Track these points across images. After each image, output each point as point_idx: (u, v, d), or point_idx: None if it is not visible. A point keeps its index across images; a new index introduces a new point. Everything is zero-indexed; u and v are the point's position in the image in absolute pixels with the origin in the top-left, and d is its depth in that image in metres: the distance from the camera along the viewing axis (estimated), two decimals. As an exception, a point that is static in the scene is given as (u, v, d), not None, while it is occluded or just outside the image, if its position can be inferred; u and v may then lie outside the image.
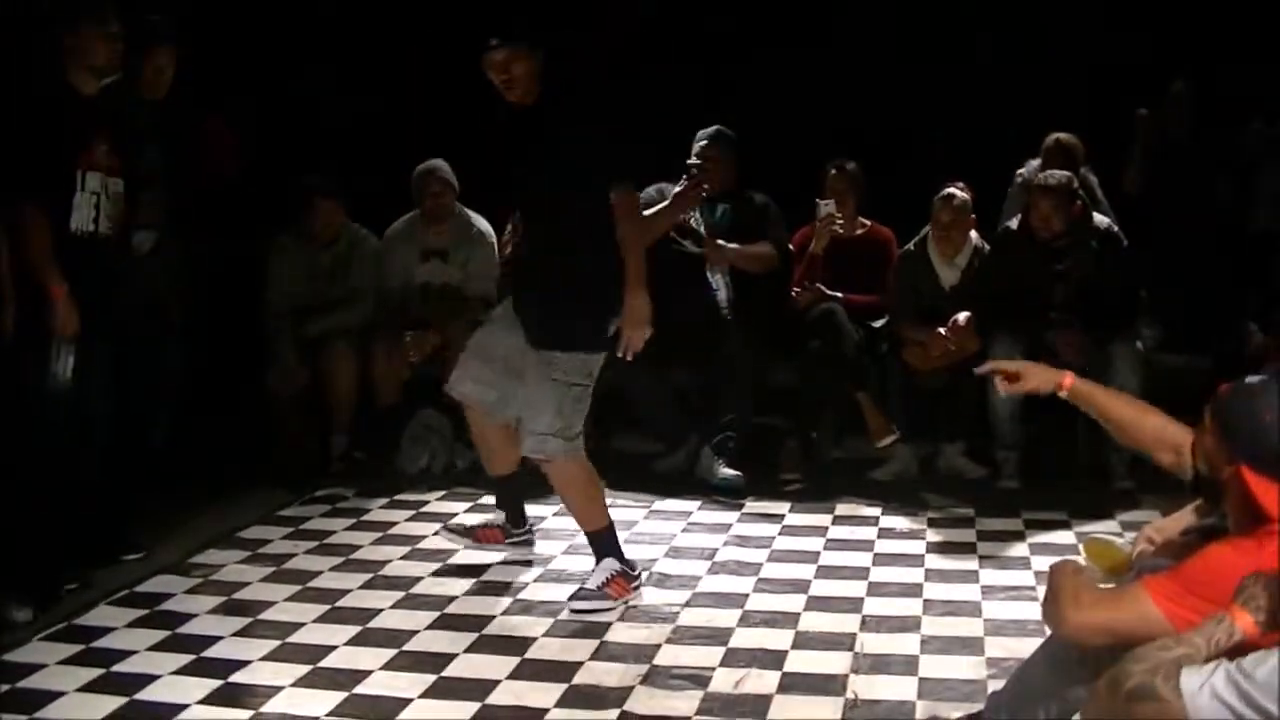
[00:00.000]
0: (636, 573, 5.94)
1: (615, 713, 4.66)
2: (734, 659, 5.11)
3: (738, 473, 7.48)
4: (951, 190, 7.77)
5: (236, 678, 4.99)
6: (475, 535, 6.33)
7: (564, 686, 4.86)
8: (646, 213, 7.38)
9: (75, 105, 5.86)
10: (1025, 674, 3.98)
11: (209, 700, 4.80)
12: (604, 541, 5.96)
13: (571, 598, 5.77)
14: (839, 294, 7.92)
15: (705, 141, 7.86)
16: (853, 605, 5.68)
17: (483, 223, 8.22)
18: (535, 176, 5.79)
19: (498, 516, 6.42)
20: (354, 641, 5.36)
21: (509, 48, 5.69)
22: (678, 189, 6.99)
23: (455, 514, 7.10)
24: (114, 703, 4.77)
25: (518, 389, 5.91)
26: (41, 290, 5.69)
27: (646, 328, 5.76)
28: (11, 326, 5.59)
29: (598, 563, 5.90)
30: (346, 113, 9.46)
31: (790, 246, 8.12)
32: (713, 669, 5.01)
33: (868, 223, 8.28)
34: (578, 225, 5.75)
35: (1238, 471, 3.41)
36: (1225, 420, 3.50)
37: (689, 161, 7.14)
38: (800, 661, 5.07)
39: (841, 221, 7.95)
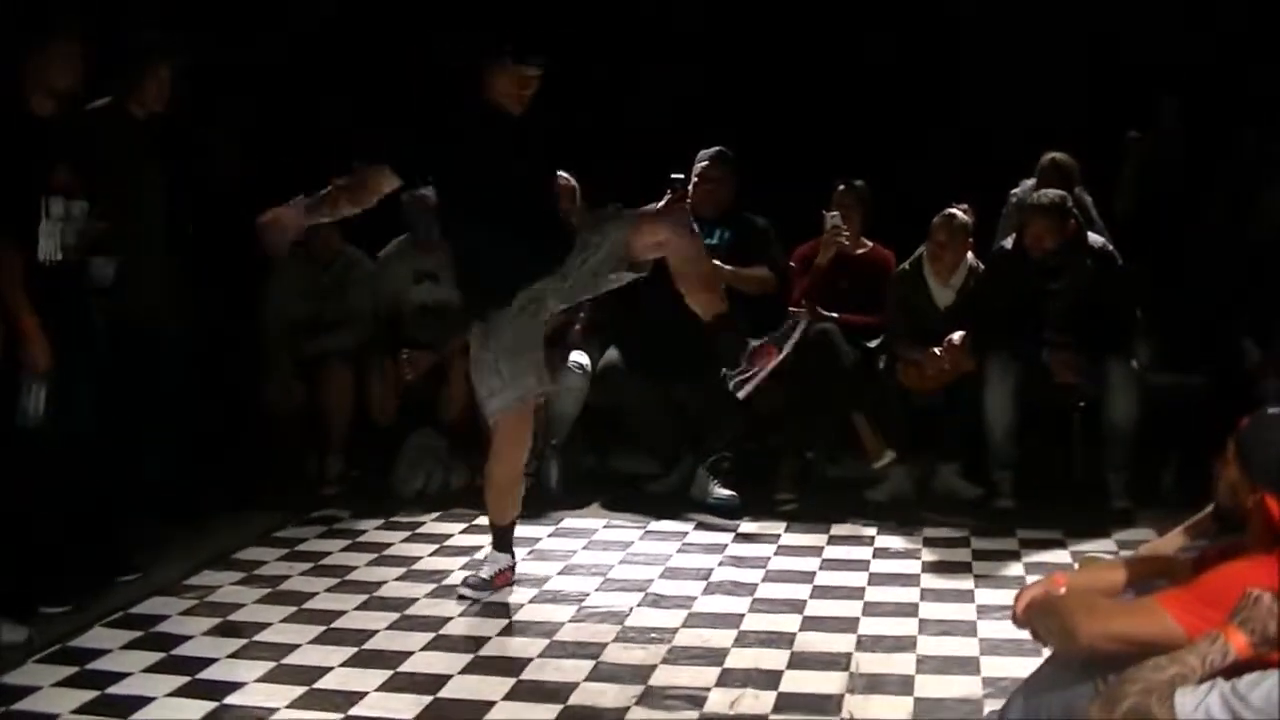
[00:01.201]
0: None
1: (611, 733, 4.66)
2: (729, 679, 5.09)
3: (732, 493, 7.48)
4: (953, 211, 7.77)
5: (231, 699, 4.97)
6: (494, 584, 6.28)
7: (559, 707, 4.84)
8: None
9: (36, 130, 5.83)
10: (1030, 683, 3.96)
11: (204, 722, 4.80)
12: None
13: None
14: (834, 314, 7.92)
15: (706, 162, 7.88)
16: (848, 625, 5.67)
17: None
18: (507, 169, 5.97)
19: (505, 558, 6.36)
20: (350, 663, 5.34)
21: (541, 70, 5.96)
22: (661, 203, 7.02)
23: (451, 535, 7.14)
24: (109, 725, 4.76)
25: (536, 357, 6.18)
26: (14, 324, 5.68)
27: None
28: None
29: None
30: (344, 134, 9.45)
31: (792, 264, 8.13)
32: (708, 689, 4.99)
33: (869, 243, 8.27)
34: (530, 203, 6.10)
35: (1261, 500, 3.44)
36: (1247, 450, 3.53)
37: (672, 175, 7.13)
38: (796, 682, 5.06)
39: (847, 234, 7.94)
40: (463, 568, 6.50)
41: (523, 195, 6.03)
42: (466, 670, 5.25)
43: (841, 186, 8.19)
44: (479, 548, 6.77)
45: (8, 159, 5.68)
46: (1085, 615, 3.48)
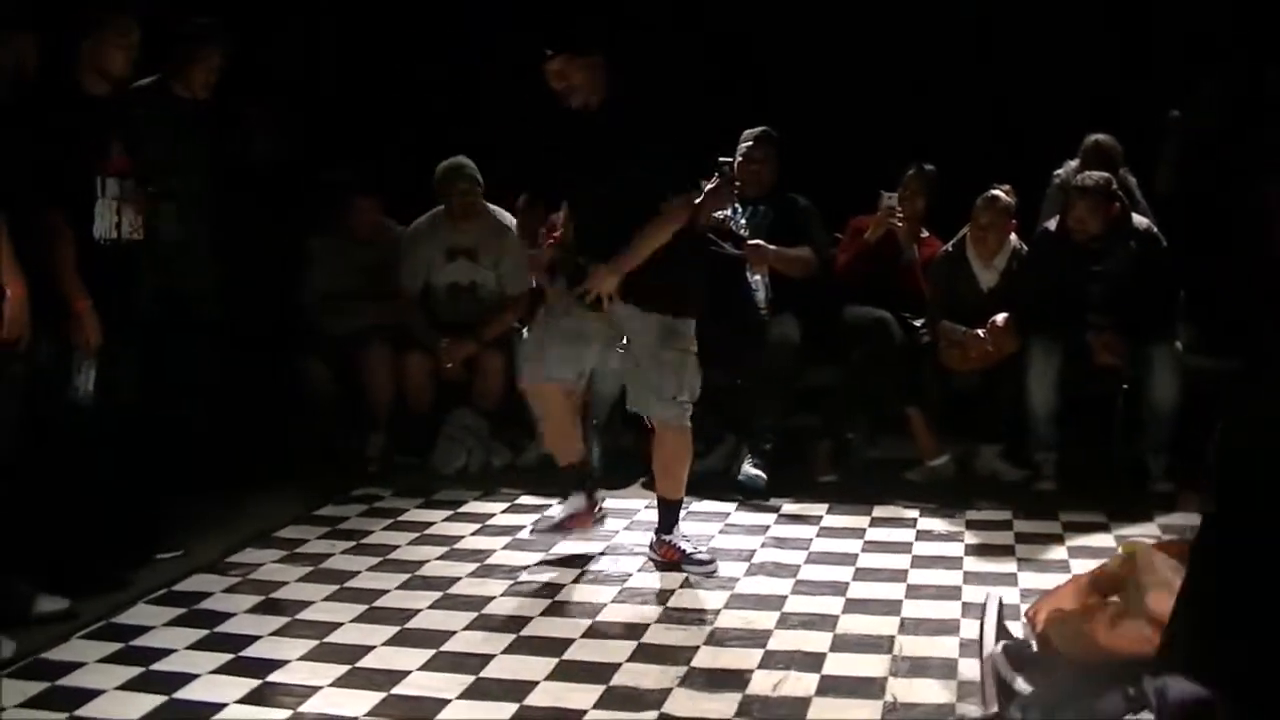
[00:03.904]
0: None
1: (654, 714, 4.64)
2: (772, 661, 5.09)
3: (759, 473, 7.50)
4: (995, 192, 7.75)
5: (274, 677, 4.99)
6: (565, 527, 6.34)
7: (602, 688, 4.84)
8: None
9: (91, 111, 5.90)
10: (1046, 693, 3.94)
11: (247, 699, 4.80)
12: (678, 510, 6.39)
13: (686, 562, 6.23)
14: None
15: (750, 142, 7.88)
16: (891, 608, 5.66)
17: (512, 220, 8.17)
18: (603, 175, 5.93)
19: (578, 500, 6.45)
20: (392, 642, 5.35)
21: (565, 56, 5.85)
22: (709, 186, 7.02)
23: (493, 514, 7.15)
24: (153, 701, 4.77)
25: (586, 352, 6.22)
26: (66, 304, 5.72)
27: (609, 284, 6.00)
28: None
29: (670, 531, 6.35)
30: (377, 109, 9.47)
31: (837, 238, 8.18)
32: (751, 671, 4.99)
33: (925, 234, 8.25)
34: (647, 216, 5.98)
35: None
36: None
37: (720, 159, 7.14)
38: (838, 664, 5.05)
39: (902, 216, 7.91)
40: (505, 547, 6.53)
41: (593, 203, 6.03)
42: (509, 650, 5.25)
43: (913, 170, 8.15)
44: (521, 527, 6.80)
45: (63, 137, 5.74)
46: (1101, 625, 3.47)
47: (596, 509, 6.51)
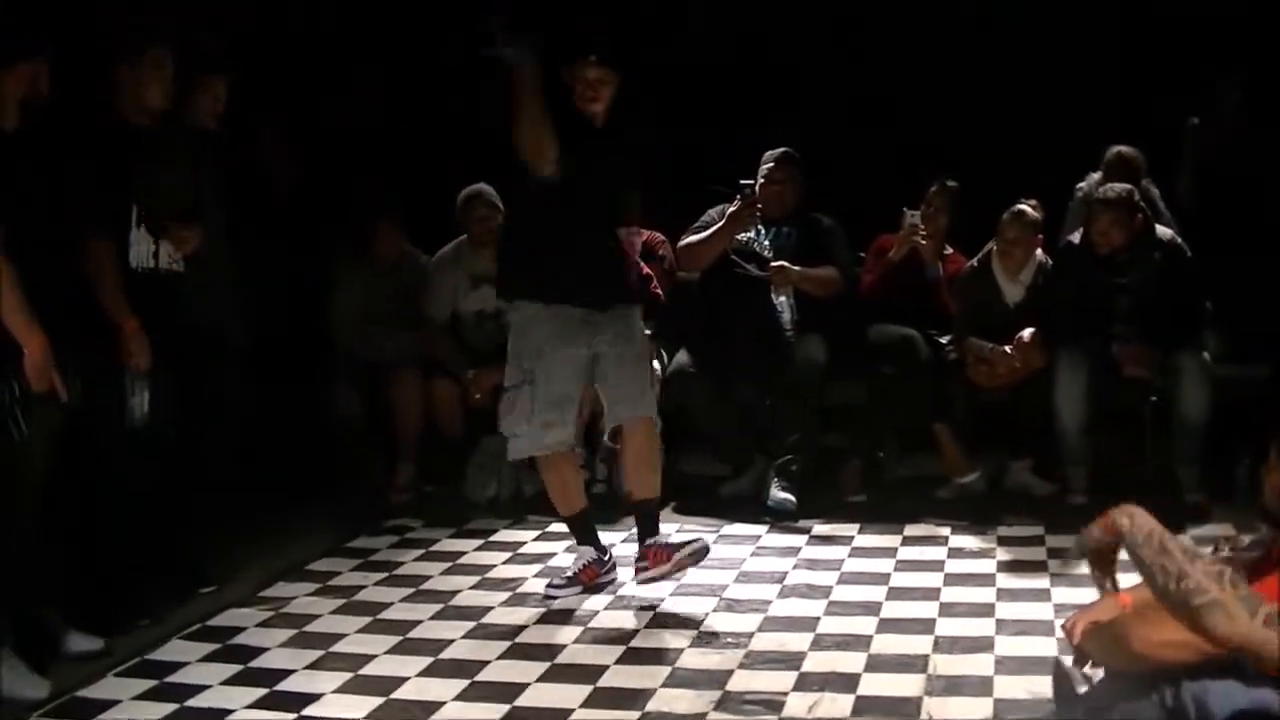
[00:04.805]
0: None
1: (689, 739, 4.65)
2: (807, 683, 5.07)
3: (788, 496, 7.46)
4: (1022, 207, 7.72)
5: (310, 711, 5.00)
6: (580, 580, 6.31)
7: (637, 714, 4.83)
8: (704, 234, 7.42)
9: (129, 140, 5.94)
10: (1089, 699, 3.92)
11: (283, 733, 4.82)
12: (655, 513, 6.34)
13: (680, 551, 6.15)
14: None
15: (771, 164, 7.87)
16: (925, 626, 5.64)
17: None
18: (595, 175, 5.99)
19: (587, 552, 6.41)
20: (426, 672, 5.35)
21: (609, 69, 5.96)
22: (732, 208, 7.02)
23: (524, 542, 7.16)
24: (189, 737, 4.79)
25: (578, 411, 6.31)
26: (112, 325, 5.75)
27: None
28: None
29: (650, 537, 6.27)
30: (392, 137, 9.51)
31: (861, 257, 8.18)
32: (786, 694, 4.98)
33: (950, 251, 8.21)
34: (617, 218, 6.21)
35: None
36: None
37: (741, 182, 7.14)
38: (873, 684, 5.04)
39: (925, 234, 7.89)
40: (537, 575, 6.53)
41: (582, 203, 6.02)
42: (543, 678, 5.24)
43: (935, 186, 8.11)
44: (552, 555, 6.81)
45: (102, 167, 5.80)
46: (1138, 623, 3.44)
47: (606, 555, 6.47)
